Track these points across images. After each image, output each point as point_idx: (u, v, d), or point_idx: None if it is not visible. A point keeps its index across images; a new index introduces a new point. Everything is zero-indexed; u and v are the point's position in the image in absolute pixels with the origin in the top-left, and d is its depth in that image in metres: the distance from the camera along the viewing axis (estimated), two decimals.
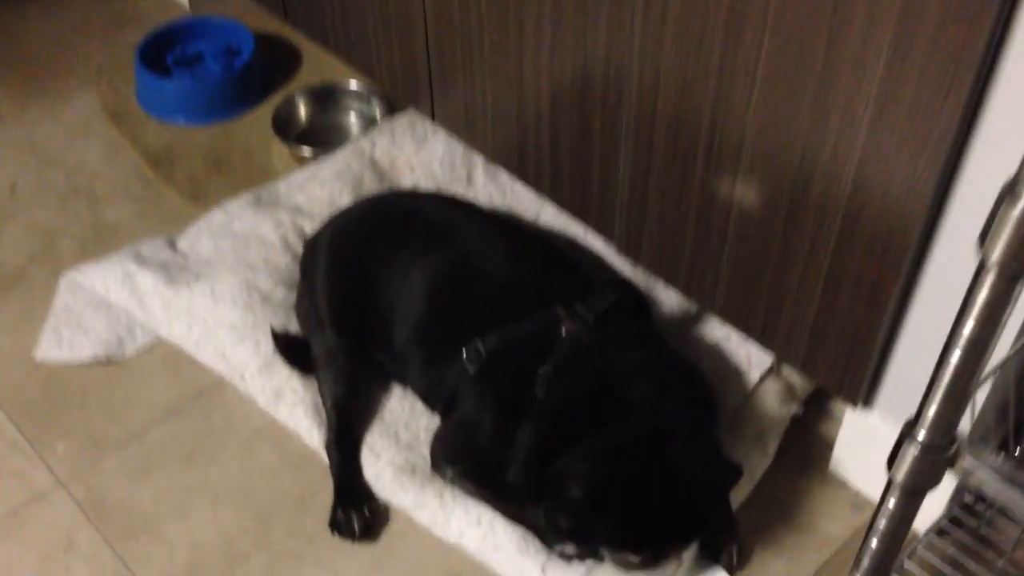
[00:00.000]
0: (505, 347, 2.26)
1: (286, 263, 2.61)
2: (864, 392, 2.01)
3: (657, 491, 2.08)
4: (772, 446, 2.42)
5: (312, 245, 2.48)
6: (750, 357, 2.47)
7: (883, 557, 1.41)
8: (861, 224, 1.73)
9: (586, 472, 2.09)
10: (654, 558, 2.14)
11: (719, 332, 2.45)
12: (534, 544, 2.24)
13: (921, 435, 1.28)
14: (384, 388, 2.41)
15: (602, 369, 2.20)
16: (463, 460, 2.30)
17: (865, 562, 1.45)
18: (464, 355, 2.27)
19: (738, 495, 2.36)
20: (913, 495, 1.34)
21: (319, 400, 2.33)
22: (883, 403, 2.04)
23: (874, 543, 1.41)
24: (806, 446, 2.42)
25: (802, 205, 1.81)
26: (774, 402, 2.45)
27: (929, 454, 1.28)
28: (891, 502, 1.36)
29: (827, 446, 2.35)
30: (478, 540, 2.27)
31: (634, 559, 2.13)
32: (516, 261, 2.35)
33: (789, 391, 2.47)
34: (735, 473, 2.23)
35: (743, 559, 2.31)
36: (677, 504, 2.09)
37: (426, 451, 2.38)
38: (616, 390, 2.16)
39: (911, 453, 1.28)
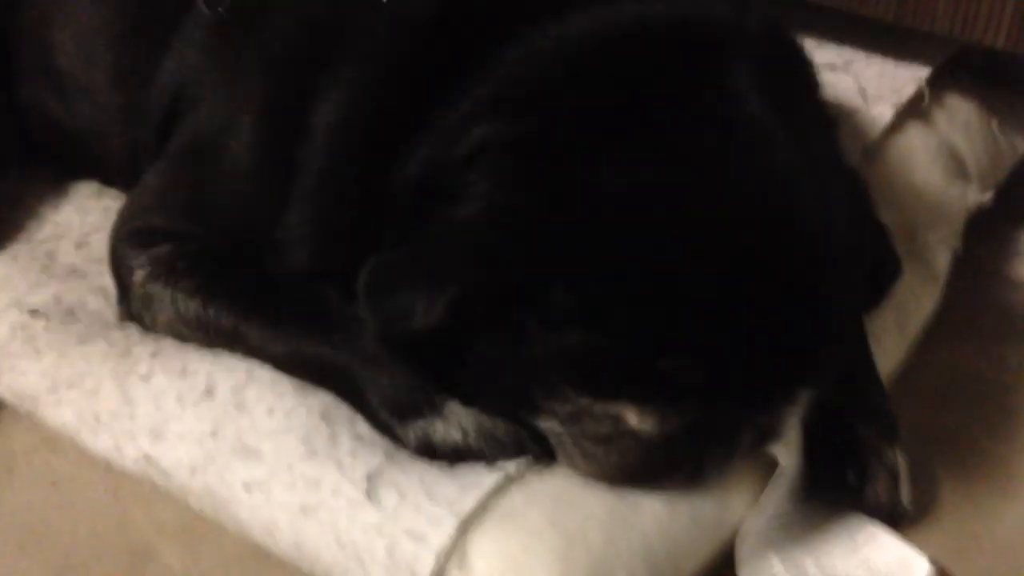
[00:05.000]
0: None
1: None
2: None
3: (709, 222, 0.71)
4: (939, 261, 1.04)
5: None
6: (863, 85, 1.12)
7: None
8: None
9: (499, 151, 0.72)
10: (704, 426, 0.73)
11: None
12: (348, 429, 0.79)
13: None
14: (51, 186, 1.17)
15: None
16: (181, 235, 0.89)
17: None
18: None
19: (889, 353, 0.95)
20: None
21: None
22: None
23: None
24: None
25: None
26: (931, 173, 1.08)
27: None
28: None
29: None
30: (198, 438, 0.81)
31: (642, 423, 0.71)
32: None
33: (954, 159, 1.11)
34: (888, 262, 0.86)
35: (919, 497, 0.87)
36: (764, 276, 0.71)
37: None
38: None
39: None
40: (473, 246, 0.70)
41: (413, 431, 0.77)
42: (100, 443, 0.87)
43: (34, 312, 0.97)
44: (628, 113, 0.72)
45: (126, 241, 0.91)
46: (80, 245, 1.06)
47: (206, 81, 0.93)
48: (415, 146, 0.76)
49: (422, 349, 0.74)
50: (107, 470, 0.88)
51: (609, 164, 0.70)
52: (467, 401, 0.77)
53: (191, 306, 0.86)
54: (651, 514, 0.75)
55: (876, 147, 1.08)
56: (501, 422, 0.76)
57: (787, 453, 0.81)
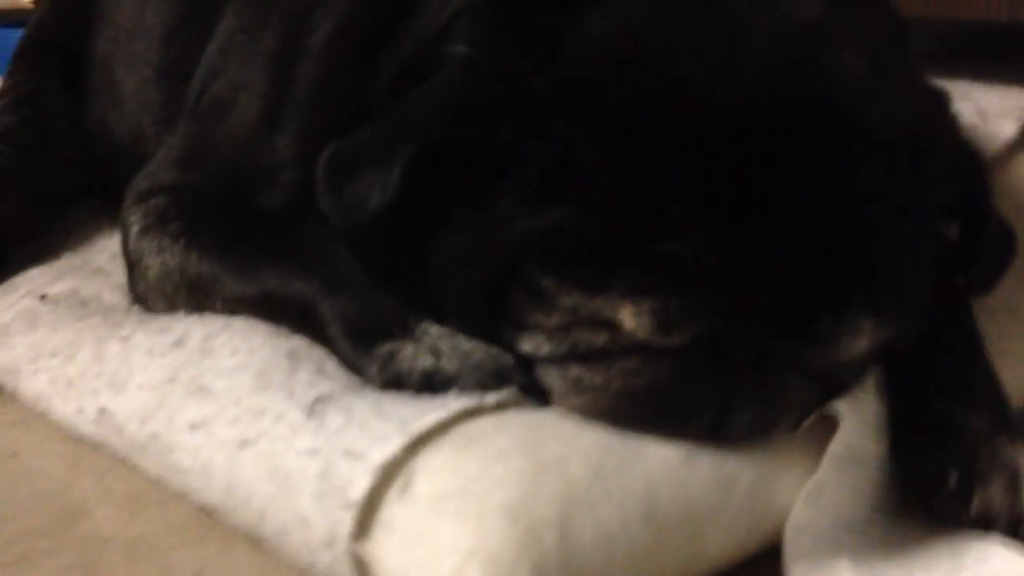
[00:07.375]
0: None
1: None
2: None
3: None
4: None
5: None
6: (983, 107, 0.98)
7: None
8: None
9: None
10: (730, 354, 0.59)
11: None
12: (313, 365, 0.66)
13: None
14: (111, 221, 1.12)
15: None
16: (178, 186, 0.82)
17: None
18: None
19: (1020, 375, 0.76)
20: None
21: None
22: None
23: None
24: None
25: None
26: None
27: None
28: None
29: None
30: (156, 384, 0.70)
31: (640, 325, 0.57)
32: None
33: None
34: (993, 227, 0.69)
35: None
36: (788, 143, 0.57)
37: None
38: None
39: None
40: (434, 106, 0.60)
41: (377, 357, 0.64)
42: (67, 408, 0.78)
43: (44, 297, 0.92)
44: None
45: (130, 201, 0.85)
46: (115, 256, 1.02)
47: (229, 52, 0.89)
48: (397, 45, 0.69)
49: (388, 247, 0.63)
50: (72, 444, 0.78)
51: (599, 10, 0.60)
52: (441, 318, 0.64)
53: (174, 252, 0.78)
54: (659, 458, 0.58)
55: (998, 161, 0.92)
56: (482, 344, 0.63)
57: (861, 427, 0.62)
